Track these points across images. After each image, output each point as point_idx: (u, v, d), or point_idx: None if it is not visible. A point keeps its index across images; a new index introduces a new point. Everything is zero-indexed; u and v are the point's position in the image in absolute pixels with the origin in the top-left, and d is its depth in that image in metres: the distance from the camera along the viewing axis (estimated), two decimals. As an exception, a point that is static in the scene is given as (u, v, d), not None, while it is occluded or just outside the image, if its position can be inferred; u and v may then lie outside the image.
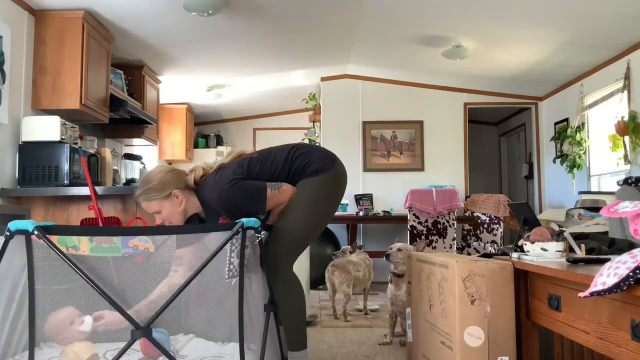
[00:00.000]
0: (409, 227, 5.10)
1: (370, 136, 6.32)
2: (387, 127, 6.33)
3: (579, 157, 5.26)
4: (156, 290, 1.71)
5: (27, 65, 3.68)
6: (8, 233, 1.46)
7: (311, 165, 2.16)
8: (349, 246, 4.19)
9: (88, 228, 1.63)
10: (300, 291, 2.17)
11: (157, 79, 5.54)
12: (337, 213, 5.71)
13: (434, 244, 5.06)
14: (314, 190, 2.14)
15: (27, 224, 1.46)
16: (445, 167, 6.31)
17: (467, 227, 5.93)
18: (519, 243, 2.03)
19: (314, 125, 6.88)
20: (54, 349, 1.66)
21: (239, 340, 1.68)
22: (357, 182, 6.27)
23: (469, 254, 5.30)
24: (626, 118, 4.36)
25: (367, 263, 3.99)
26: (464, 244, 5.52)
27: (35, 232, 1.45)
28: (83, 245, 1.50)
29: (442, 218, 5.08)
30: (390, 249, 3.04)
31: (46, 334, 1.63)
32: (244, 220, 1.69)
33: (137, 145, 5.70)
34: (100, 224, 3.16)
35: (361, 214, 5.70)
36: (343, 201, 5.83)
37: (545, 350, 2.05)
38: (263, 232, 1.83)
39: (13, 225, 1.46)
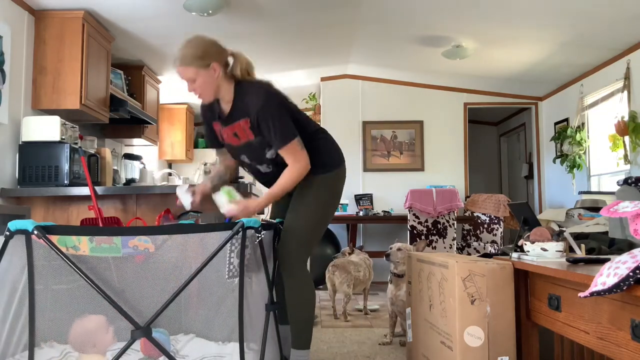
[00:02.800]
0: (409, 227, 5.10)
1: (370, 136, 6.32)
2: (387, 127, 6.33)
3: (579, 157, 5.26)
4: None
5: (27, 65, 3.67)
6: (8, 233, 1.46)
7: (328, 155, 2.19)
8: (348, 247, 4.20)
9: (88, 228, 1.63)
10: (312, 291, 2.19)
11: (157, 79, 5.53)
12: (337, 213, 5.72)
13: (434, 244, 5.06)
14: (324, 187, 2.17)
15: (27, 224, 1.45)
16: (445, 167, 6.31)
17: (467, 227, 5.93)
18: (519, 243, 2.03)
19: (314, 125, 6.88)
20: (54, 349, 1.66)
21: (239, 340, 1.68)
22: (357, 182, 6.27)
23: (469, 254, 5.30)
24: (626, 118, 4.36)
25: (367, 263, 3.99)
26: (464, 244, 5.52)
27: (35, 232, 1.45)
28: (83, 246, 1.50)
29: (442, 218, 5.08)
30: (390, 248, 3.04)
31: (72, 339, 1.62)
32: (244, 220, 1.69)
33: (137, 145, 5.70)
34: (100, 224, 3.16)
35: (361, 214, 5.69)
36: (343, 201, 5.83)
37: (545, 350, 2.05)
38: (263, 231, 1.83)
39: (13, 225, 1.46)
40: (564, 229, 2.55)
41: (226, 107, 2.16)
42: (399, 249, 3.01)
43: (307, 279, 2.16)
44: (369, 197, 5.97)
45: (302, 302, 2.14)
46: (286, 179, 2.07)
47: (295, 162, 2.07)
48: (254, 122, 2.06)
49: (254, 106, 2.04)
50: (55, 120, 3.51)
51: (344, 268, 3.75)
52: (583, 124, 5.33)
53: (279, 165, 2.14)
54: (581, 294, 1.30)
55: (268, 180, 2.25)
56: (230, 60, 2.13)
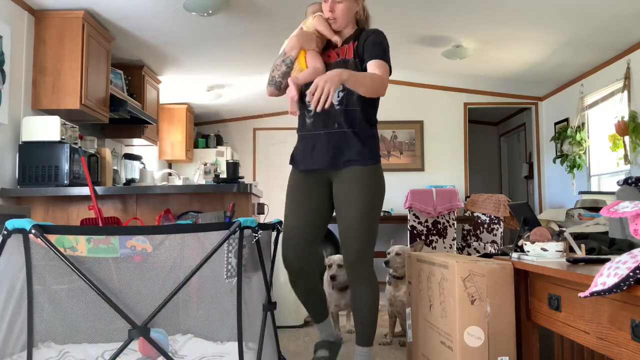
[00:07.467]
0: (409, 227, 5.09)
1: (370, 136, 6.31)
2: (387, 127, 6.32)
3: (579, 157, 5.26)
4: None
5: (27, 65, 3.67)
6: (5, 232, 1.46)
7: (378, 145, 2.30)
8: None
9: (85, 228, 1.62)
10: (378, 290, 2.24)
11: (157, 79, 5.53)
12: (337, 213, 5.69)
13: (434, 244, 5.06)
14: (376, 178, 2.22)
15: (25, 223, 1.45)
16: (445, 167, 6.31)
17: (467, 227, 5.92)
18: (519, 243, 2.03)
19: (314, 125, 6.87)
20: (51, 349, 1.65)
21: (237, 339, 1.68)
22: (357, 182, 6.25)
23: (469, 254, 5.29)
24: (626, 118, 4.35)
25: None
26: (464, 244, 5.52)
27: (33, 231, 1.45)
28: (80, 247, 1.49)
29: (442, 218, 5.07)
30: (389, 253, 3.00)
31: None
32: (241, 219, 1.69)
33: (137, 145, 5.69)
34: (100, 224, 3.16)
35: (361, 214, 5.67)
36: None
37: (545, 350, 2.05)
38: (260, 231, 1.82)
39: (10, 223, 1.45)
40: (564, 229, 2.54)
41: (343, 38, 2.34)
42: (397, 254, 2.97)
43: (374, 278, 2.21)
44: (369, 197, 5.95)
45: (372, 302, 2.19)
46: (371, 76, 2.10)
47: (384, 74, 2.14)
48: (361, 44, 2.20)
49: (369, 33, 2.22)
50: (55, 120, 3.51)
51: None
52: (583, 124, 5.33)
53: (346, 113, 2.20)
54: (581, 294, 1.29)
55: (324, 117, 2.25)
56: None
